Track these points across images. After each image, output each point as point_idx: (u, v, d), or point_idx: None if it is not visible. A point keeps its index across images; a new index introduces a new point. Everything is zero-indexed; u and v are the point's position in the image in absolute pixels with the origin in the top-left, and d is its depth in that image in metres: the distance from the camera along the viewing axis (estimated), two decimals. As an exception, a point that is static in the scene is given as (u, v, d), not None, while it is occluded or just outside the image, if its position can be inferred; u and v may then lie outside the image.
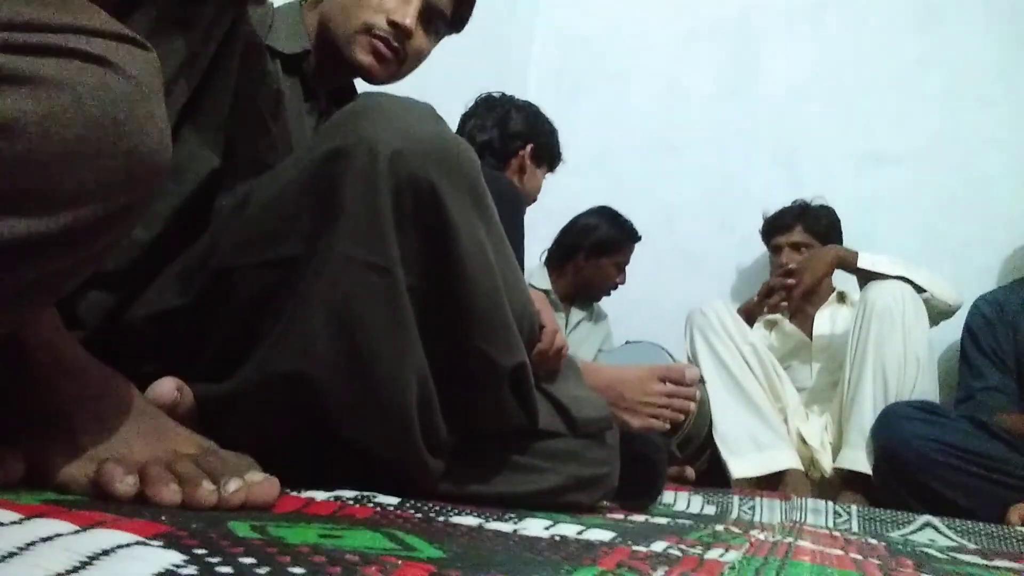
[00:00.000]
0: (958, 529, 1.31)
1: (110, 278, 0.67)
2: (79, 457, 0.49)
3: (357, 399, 0.64)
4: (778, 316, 2.07)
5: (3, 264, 0.39)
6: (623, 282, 2.13)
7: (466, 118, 1.70)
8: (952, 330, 1.93)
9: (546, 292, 2.14)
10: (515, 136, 1.66)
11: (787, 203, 2.12)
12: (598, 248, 2.09)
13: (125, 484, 0.47)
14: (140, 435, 0.52)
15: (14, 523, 0.32)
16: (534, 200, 1.72)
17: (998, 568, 0.81)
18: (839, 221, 2.09)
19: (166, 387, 0.64)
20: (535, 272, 2.16)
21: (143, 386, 0.61)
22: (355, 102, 0.72)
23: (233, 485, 0.50)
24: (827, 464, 1.77)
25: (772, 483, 1.74)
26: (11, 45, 0.38)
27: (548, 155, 1.72)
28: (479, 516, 0.62)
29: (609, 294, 2.16)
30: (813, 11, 2.47)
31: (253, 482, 0.51)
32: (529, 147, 1.67)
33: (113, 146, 0.41)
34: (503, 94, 1.72)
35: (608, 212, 2.13)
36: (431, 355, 0.66)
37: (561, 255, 2.14)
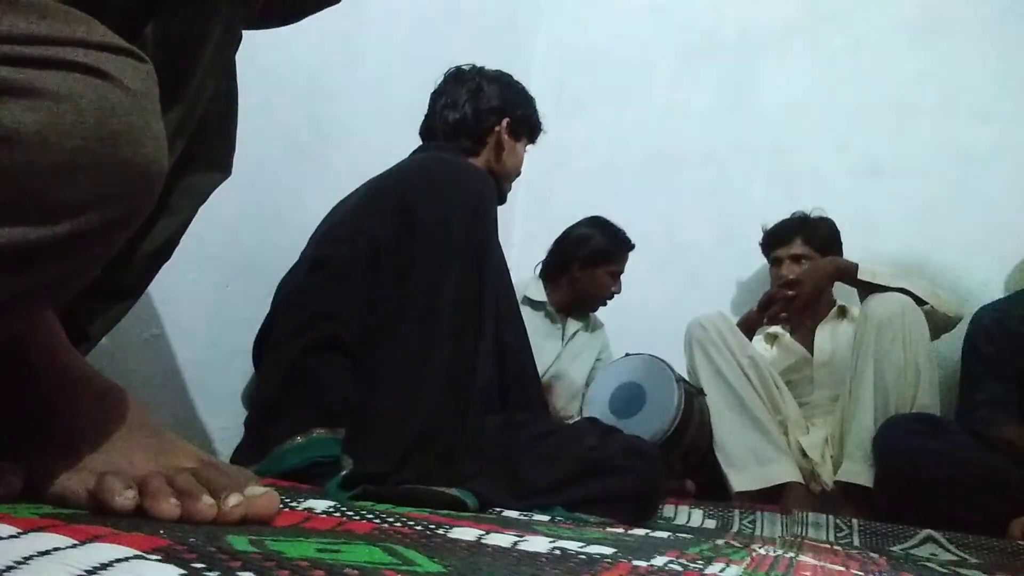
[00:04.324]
0: (959, 543, 1.31)
1: (116, 292, 0.67)
2: (78, 470, 0.49)
3: None
4: (779, 330, 2.07)
5: (1, 270, 0.39)
6: (619, 291, 2.13)
7: (436, 96, 1.56)
8: (954, 341, 1.93)
9: (542, 304, 2.15)
10: (489, 112, 1.52)
11: (786, 216, 2.12)
12: (592, 258, 2.09)
13: (124, 498, 0.47)
14: (140, 448, 0.52)
15: (12, 537, 0.32)
16: (517, 175, 1.60)
17: (1000, 582, 0.81)
18: (839, 233, 2.09)
19: None
20: (531, 284, 2.17)
21: None
22: None
23: (233, 499, 0.50)
24: (828, 477, 1.76)
25: (773, 496, 1.73)
26: (11, 57, 0.39)
27: (527, 127, 1.58)
28: (478, 530, 0.62)
29: (606, 303, 2.16)
30: (811, 27, 2.48)
31: (253, 496, 0.51)
32: (505, 121, 1.53)
33: (111, 157, 0.41)
34: (473, 65, 1.58)
35: (600, 221, 2.13)
36: None
37: (556, 267, 2.14)
